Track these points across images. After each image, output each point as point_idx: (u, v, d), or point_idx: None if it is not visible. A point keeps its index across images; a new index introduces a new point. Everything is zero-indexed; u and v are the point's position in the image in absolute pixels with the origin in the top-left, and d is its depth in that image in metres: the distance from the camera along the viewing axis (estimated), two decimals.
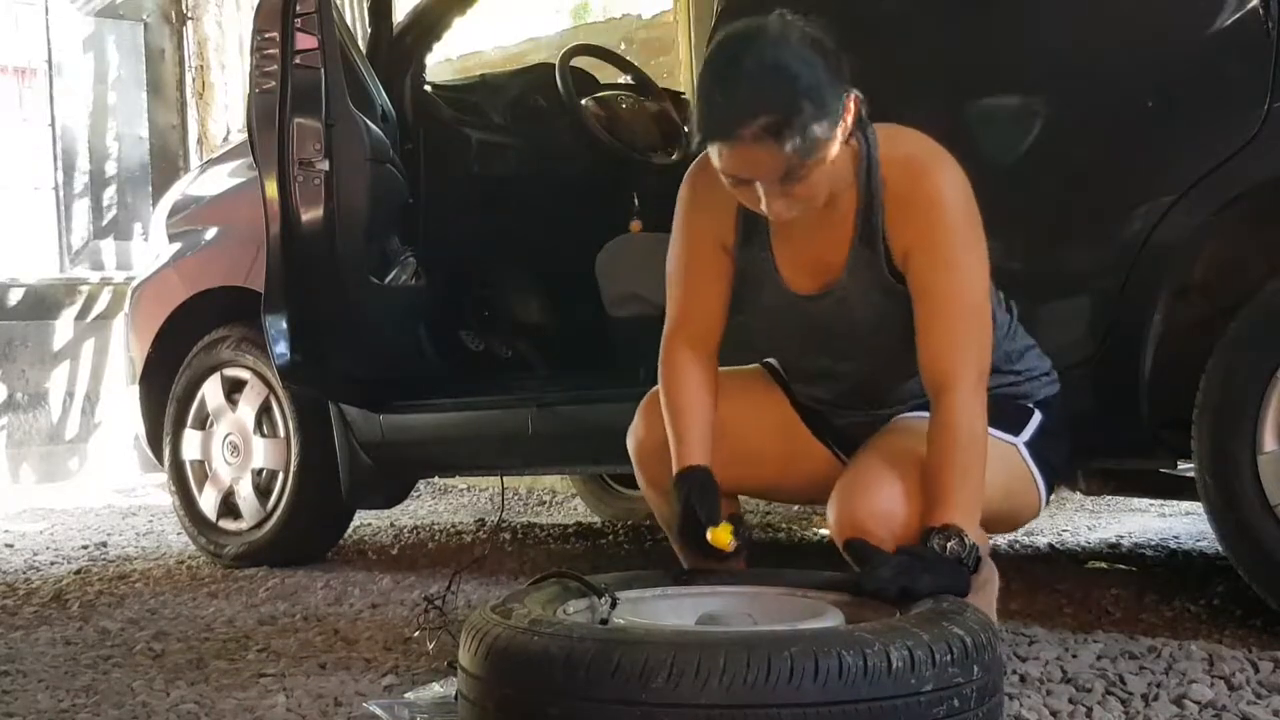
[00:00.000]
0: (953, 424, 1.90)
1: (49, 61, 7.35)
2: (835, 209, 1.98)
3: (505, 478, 4.73)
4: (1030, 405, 2.13)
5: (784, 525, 4.21)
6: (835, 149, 1.86)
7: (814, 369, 2.18)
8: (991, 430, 2.02)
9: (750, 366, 2.30)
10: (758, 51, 1.84)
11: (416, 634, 2.61)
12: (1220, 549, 2.48)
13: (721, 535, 2.01)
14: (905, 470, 1.94)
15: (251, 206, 3.36)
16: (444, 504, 5.51)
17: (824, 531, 2.09)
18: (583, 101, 3.69)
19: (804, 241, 2.03)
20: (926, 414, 2.05)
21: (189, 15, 7.81)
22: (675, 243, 2.16)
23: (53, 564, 4.08)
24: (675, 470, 2.06)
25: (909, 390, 2.09)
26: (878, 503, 1.92)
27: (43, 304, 7.15)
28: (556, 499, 5.44)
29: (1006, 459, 2.08)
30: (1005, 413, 2.08)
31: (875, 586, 1.77)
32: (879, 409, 2.14)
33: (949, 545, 1.81)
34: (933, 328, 1.96)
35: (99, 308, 7.28)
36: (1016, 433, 2.10)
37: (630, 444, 2.25)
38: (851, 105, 1.87)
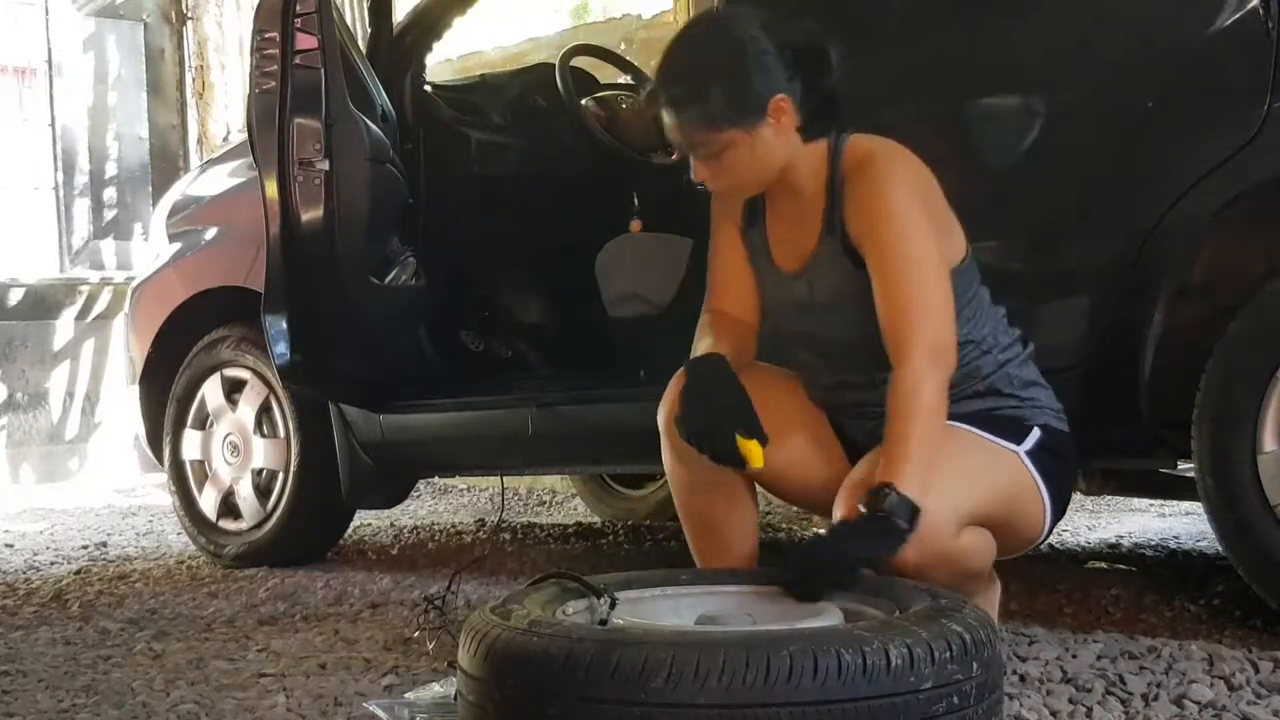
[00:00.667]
0: (902, 393, 1.98)
1: (49, 61, 7.35)
2: (807, 201, 2.14)
3: (505, 478, 4.73)
4: (1029, 424, 2.15)
5: (784, 525, 4.21)
6: (755, 140, 2.04)
7: (805, 350, 2.23)
8: (991, 438, 2.09)
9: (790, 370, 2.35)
10: (705, 34, 2.13)
11: (416, 634, 2.61)
12: (1220, 549, 2.48)
13: (756, 450, 2.04)
14: None
15: (251, 206, 3.36)
16: (444, 504, 5.51)
17: (824, 531, 2.09)
18: (583, 101, 3.69)
19: (788, 226, 2.19)
20: None
21: (189, 15, 7.81)
22: (712, 222, 2.32)
23: (53, 564, 4.08)
24: (694, 357, 2.18)
25: (888, 395, 2.12)
26: None
27: (43, 304, 7.15)
28: (556, 499, 5.44)
29: (1006, 463, 2.10)
30: (1003, 426, 2.12)
31: (804, 590, 1.81)
32: (872, 406, 2.15)
33: (875, 502, 1.87)
34: (884, 307, 2.05)
35: (99, 308, 7.28)
36: (1017, 442, 2.11)
37: (660, 416, 2.25)
38: (785, 106, 2.04)
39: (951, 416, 2.11)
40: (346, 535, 4.04)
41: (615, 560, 3.66)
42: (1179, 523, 3.95)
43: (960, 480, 2.03)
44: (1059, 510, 2.17)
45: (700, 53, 2.08)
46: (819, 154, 2.12)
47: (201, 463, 3.89)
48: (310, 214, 3.21)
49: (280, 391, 3.66)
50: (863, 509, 1.89)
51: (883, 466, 1.93)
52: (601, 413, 3.15)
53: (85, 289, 7.29)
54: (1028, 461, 2.10)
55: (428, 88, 3.75)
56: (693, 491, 2.26)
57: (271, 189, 3.23)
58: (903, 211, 2.05)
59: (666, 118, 2.07)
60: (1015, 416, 2.15)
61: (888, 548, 1.84)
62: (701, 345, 2.21)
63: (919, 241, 2.05)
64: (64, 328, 7.21)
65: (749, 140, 2.05)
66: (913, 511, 1.88)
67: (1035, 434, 2.13)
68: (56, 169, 7.40)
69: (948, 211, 2.15)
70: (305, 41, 3.20)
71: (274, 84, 3.21)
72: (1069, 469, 2.21)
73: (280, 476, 3.72)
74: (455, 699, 1.71)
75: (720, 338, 2.21)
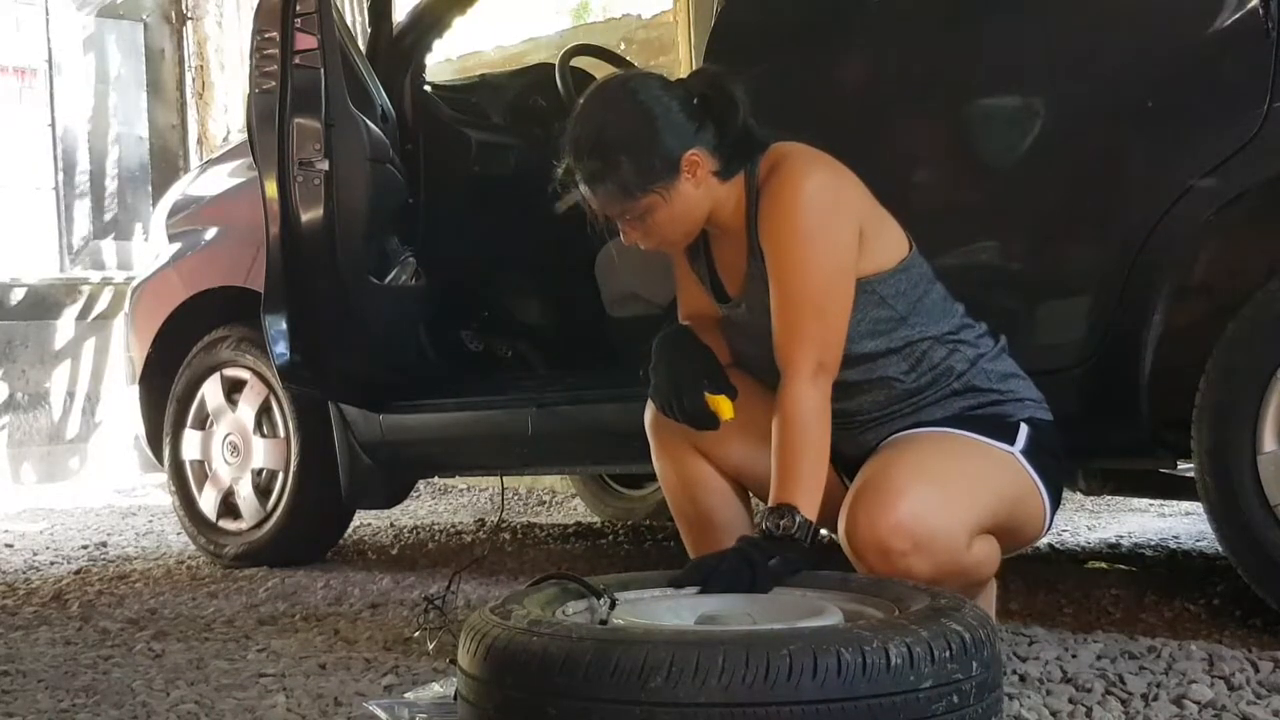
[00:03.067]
0: (787, 411, 2.00)
1: (49, 61, 7.36)
2: (735, 231, 2.15)
3: (505, 478, 4.73)
4: (1015, 421, 2.15)
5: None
6: (675, 198, 2.05)
7: (764, 373, 2.21)
8: (985, 440, 2.09)
9: None
10: (608, 104, 2.09)
11: (416, 634, 2.61)
12: (1220, 549, 2.48)
13: (724, 403, 2.10)
14: (908, 483, 1.99)
15: (251, 206, 3.36)
16: (444, 504, 5.51)
17: (824, 531, 2.09)
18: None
19: (726, 254, 2.20)
20: (913, 431, 2.12)
21: (189, 15, 7.82)
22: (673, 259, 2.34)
23: (53, 564, 4.08)
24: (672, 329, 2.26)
25: (864, 404, 2.15)
26: (891, 517, 1.95)
27: (43, 304, 7.16)
28: (556, 499, 5.44)
29: (1006, 466, 2.10)
30: (992, 426, 2.12)
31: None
32: (848, 416, 2.16)
33: (780, 524, 1.90)
34: (777, 318, 2.06)
35: (99, 308, 7.29)
36: (1010, 443, 2.11)
37: (647, 415, 2.31)
38: (699, 159, 2.04)
39: (934, 419, 2.13)
40: (346, 535, 4.04)
41: (615, 560, 3.66)
42: (1179, 523, 3.95)
43: (968, 492, 2.04)
44: (1056, 504, 2.18)
45: (606, 124, 2.06)
46: (738, 186, 2.12)
47: (201, 463, 3.89)
48: (310, 214, 3.21)
49: (280, 391, 3.65)
50: (765, 528, 1.92)
51: (779, 488, 1.96)
52: (601, 413, 3.15)
53: (85, 289, 7.30)
54: (1024, 462, 2.11)
55: (428, 88, 3.74)
56: (682, 490, 2.29)
57: (271, 189, 3.23)
58: (798, 222, 2.05)
59: (585, 192, 2.09)
60: (999, 414, 2.15)
61: (792, 569, 1.86)
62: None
63: (818, 258, 2.05)
64: (64, 328, 7.21)
65: (668, 200, 2.05)
66: (813, 531, 1.92)
67: (1024, 431, 2.13)
68: (56, 169, 7.40)
69: (878, 215, 2.15)
70: (305, 41, 3.20)
71: (274, 84, 3.21)
72: (1060, 460, 2.21)
73: (280, 476, 3.72)
74: (455, 699, 1.71)
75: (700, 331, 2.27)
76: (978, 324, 2.22)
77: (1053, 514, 2.17)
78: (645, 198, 2.04)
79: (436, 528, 4.56)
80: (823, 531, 2.07)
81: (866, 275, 2.09)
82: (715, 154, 2.07)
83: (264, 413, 3.76)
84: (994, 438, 2.10)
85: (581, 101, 2.13)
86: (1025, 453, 2.11)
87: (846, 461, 2.18)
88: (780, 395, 2.02)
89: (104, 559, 4.15)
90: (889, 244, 2.14)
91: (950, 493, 2.01)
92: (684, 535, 2.34)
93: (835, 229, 2.06)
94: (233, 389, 3.83)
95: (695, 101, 2.07)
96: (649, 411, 2.29)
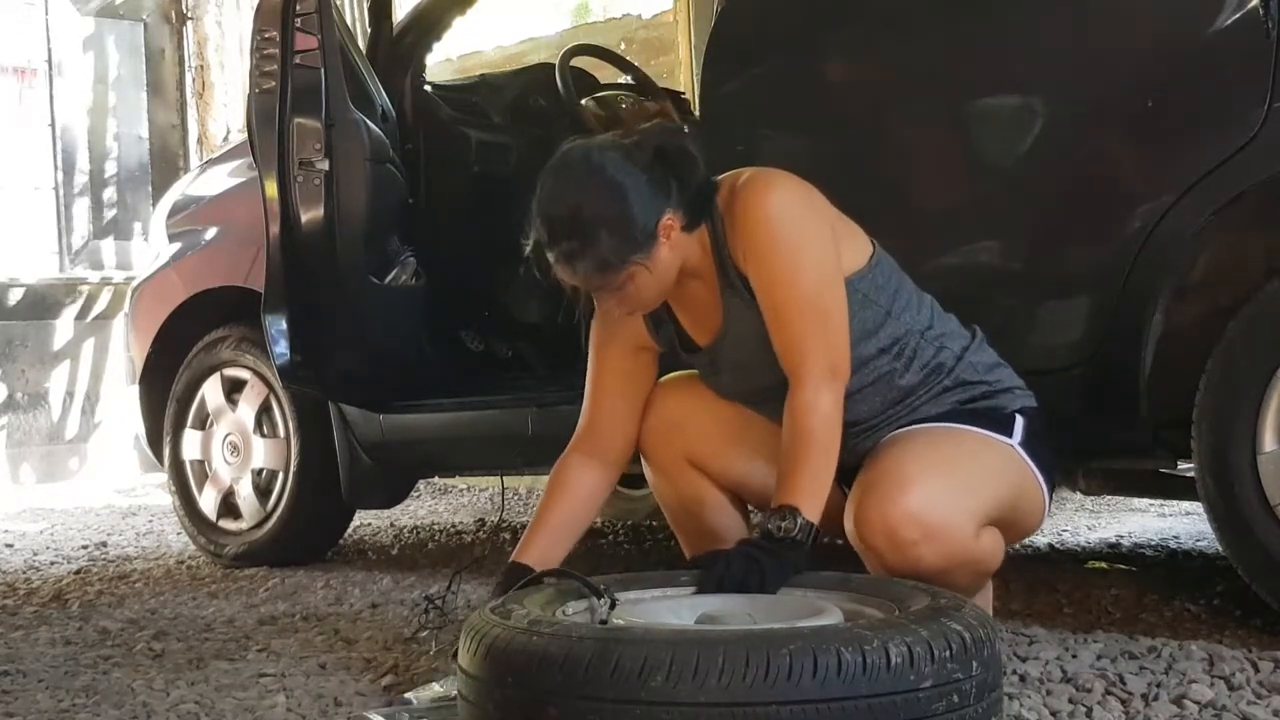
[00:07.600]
0: (797, 416, 1.99)
1: (49, 61, 7.36)
2: (704, 274, 2.13)
3: (505, 478, 4.73)
4: (1009, 412, 2.16)
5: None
6: (654, 263, 2.01)
7: (761, 404, 2.21)
8: (986, 433, 2.11)
9: None
10: (578, 183, 2.02)
11: (421, 634, 2.61)
12: (1220, 549, 2.48)
13: None
14: (917, 473, 2.00)
15: (251, 206, 3.36)
16: (444, 504, 5.51)
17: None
18: (583, 101, 3.69)
19: (693, 303, 2.18)
20: (915, 427, 2.13)
21: (189, 15, 7.81)
22: (590, 349, 2.29)
23: (53, 564, 4.08)
24: (511, 559, 2.21)
25: (861, 411, 2.15)
26: (901, 506, 1.96)
27: (43, 304, 7.15)
28: None
29: (1008, 458, 2.12)
30: (989, 420, 2.14)
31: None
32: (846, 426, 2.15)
33: (782, 525, 1.90)
34: (777, 330, 2.05)
35: (99, 308, 7.28)
36: (1008, 435, 2.13)
37: (640, 436, 2.30)
38: (672, 223, 2.02)
39: (931, 415, 2.14)
40: (346, 535, 4.04)
41: (615, 560, 3.66)
42: (1179, 523, 3.95)
43: (975, 483, 2.05)
44: (1051, 492, 2.20)
45: (579, 203, 2.00)
46: (702, 231, 2.10)
47: (201, 463, 3.89)
48: (310, 214, 3.21)
49: (280, 391, 3.65)
50: (769, 528, 1.92)
51: (782, 489, 1.95)
52: None
53: (85, 289, 7.29)
54: (1023, 454, 2.13)
55: (428, 88, 3.74)
56: (680, 505, 2.31)
57: (271, 189, 3.23)
58: (781, 230, 2.04)
59: (561, 271, 2.03)
60: (994, 406, 2.16)
61: (793, 570, 1.87)
62: (542, 503, 2.32)
63: (807, 264, 2.04)
64: (64, 328, 7.21)
65: (648, 267, 2.02)
66: (814, 533, 1.92)
67: (1019, 423, 2.15)
68: (56, 169, 7.40)
69: (842, 218, 2.15)
70: (305, 41, 3.20)
71: (274, 84, 3.21)
72: (1051, 448, 2.22)
73: (280, 476, 3.72)
74: (455, 699, 1.71)
75: (561, 516, 2.30)
76: (949, 315, 2.23)
77: (1049, 503, 2.19)
78: (628, 268, 2.01)
79: (436, 528, 4.56)
80: None
81: (846, 275, 2.10)
82: (680, 211, 2.05)
83: (264, 413, 3.76)
84: (993, 431, 2.12)
85: (546, 180, 2.06)
86: (1023, 444, 2.13)
87: (843, 470, 2.17)
88: (790, 402, 2.01)
89: (104, 559, 4.15)
90: (857, 244, 2.16)
91: (958, 483, 2.03)
92: (682, 542, 2.36)
93: (814, 230, 2.07)
94: (233, 389, 3.83)
95: (655, 163, 2.03)
96: (642, 436, 2.28)
